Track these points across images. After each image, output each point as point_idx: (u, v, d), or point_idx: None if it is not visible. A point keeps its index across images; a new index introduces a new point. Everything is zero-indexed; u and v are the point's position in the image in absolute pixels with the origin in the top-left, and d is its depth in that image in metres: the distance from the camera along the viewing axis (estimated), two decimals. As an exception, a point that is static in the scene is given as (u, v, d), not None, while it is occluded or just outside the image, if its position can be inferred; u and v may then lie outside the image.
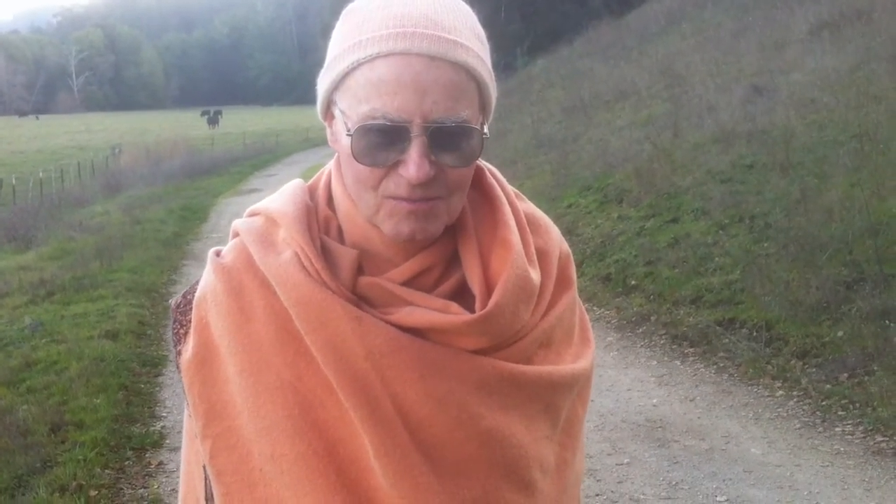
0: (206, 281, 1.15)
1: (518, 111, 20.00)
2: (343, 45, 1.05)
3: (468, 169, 1.06)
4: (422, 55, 0.99)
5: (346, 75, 1.03)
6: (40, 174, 23.68)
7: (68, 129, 66.19)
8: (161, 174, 24.38)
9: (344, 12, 1.09)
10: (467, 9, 1.09)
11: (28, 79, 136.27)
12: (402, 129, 0.99)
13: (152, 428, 5.71)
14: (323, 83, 1.08)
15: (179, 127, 57.13)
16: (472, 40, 1.05)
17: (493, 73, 1.08)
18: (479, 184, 1.16)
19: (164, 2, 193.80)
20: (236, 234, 1.18)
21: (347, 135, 1.02)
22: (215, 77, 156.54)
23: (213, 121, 63.20)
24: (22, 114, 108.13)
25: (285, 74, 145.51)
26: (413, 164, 0.99)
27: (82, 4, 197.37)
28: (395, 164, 1.01)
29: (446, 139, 1.01)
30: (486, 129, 1.07)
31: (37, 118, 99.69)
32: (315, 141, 39.09)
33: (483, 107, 1.07)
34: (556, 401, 1.15)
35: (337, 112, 1.07)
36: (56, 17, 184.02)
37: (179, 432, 5.43)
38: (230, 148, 37.11)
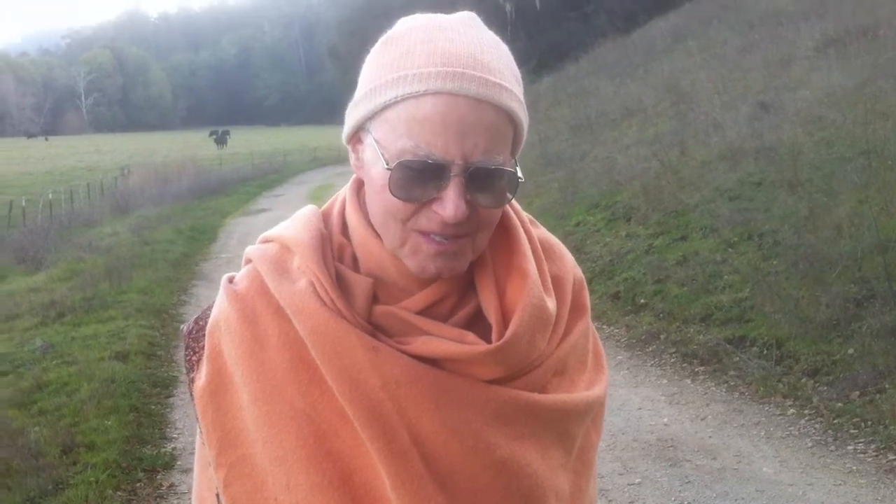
0: (220, 308, 1.15)
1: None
2: (385, 77, 1.04)
3: (500, 209, 1.07)
4: (468, 97, 1.00)
5: (386, 107, 1.03)
6: (50, 195, 23.78)
7: (77, 150, 66.50)
8: (170, 194, 24.44)
9: (382, 40, 1.09)
10: (505, 48, 1.10)
11: (37, 100, 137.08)
12: (442, 167, 1.00)
13: (163, 449, 5.72)
14: (358, 109, 1.08)
15: (188, 147, 57.31)
16: (513, 83, 1.06)
17: (527, 114, 1.09)
18: None
19: (172, 23, 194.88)
20: (249, 261, 1.17)
21: (387, 168, 1.02)
22: (223, 97, 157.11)
23: (221, 141, 63.34)
24: (31, 135, 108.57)
25: (293, 94, 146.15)
26: (451, 203, 1.00)
27: (91, 26, 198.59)
28: (430, 201, 1.02)
29: (483, 180, 1.02)
30: (520, 172, 1.07)
31: (46, 139, 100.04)
32: (322, 160, 39.23)
33: (515, 149, 1.08)
34: (571, 429, 1.15)
35: (370, 140, 1.06)
36: (65, 39, 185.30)
37: (191, 454, 5.43)
38: (238, 168, 37.20)
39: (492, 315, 1.09)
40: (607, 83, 20.86)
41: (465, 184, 1.00)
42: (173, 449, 5.72)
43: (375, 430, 1.03)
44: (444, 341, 1.06)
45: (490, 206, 1.04)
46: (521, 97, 1.07)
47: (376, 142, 1.05)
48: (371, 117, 1.06)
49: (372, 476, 1.05)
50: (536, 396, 1.10)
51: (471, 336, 1.07)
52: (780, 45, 15.22)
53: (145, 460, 5.49)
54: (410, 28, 1.07)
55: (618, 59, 23.87)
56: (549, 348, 1.13)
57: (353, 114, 1.09)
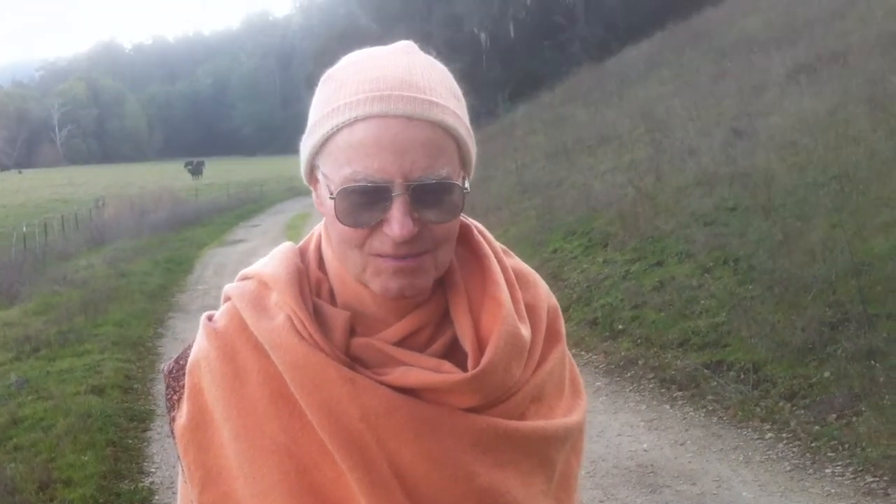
0: (199, 346, 1.16)
1: (501, 157, 20.13)
2: (322, 111, 1.07)
3: (452, 222, 1.07)
4: (399, 116, 1.01)
5: (326, 140, 1.05)
6: (24, 228, 23.58)
7: (51, 183, 66.02)
8: (146, 226, 24.30)
9: (322, 79, 1.12)
10: (442, 67, 1.12)
11: (10, 133, 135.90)
12: (383, 189, 1.01)
13: (141, 484, 5.67)
14: (305, 148, 1.10)
15: (163, 178, 57.18)
16: (448, 99, 1.07)
17: (470, 130, 1.11)
18: (467, 241, 1.18)
19: (148, 54, 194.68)
20: (228, 299, 1.18)
21: (330, 198, 1.04)
22: (199, 128, 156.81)
23: (196, 171, 63.19)
24: (4, 168, 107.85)
25: (269, 124, 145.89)
26: (396, 223, 1.01)
27: (65, 58, 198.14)
28: (379, 223, 1.03)
29: (428, 196, 1.02)
30: (467, 184, 1.09)
31: (20, 172, 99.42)
32: (298, 190, 39.02)
33: (463, 162, 1.09)
34: (551, 455, 1.16)
35: (320, 176, 1.08)
36: (39, 72, 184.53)
37: (168, 488, 5.39)
38: (214, 198, 37.10)
39: (467, 343, 1.10)
40: (582, 111, 21.04)
41: (410, 202, 1.01)
42: (151, 483, 5.67)
43: (355, 461, 1.03)
44: (422, 371, 1.07)
45: (439, 221, 1.04)
46: (460, 112, 1.08)
47: (325, 175, 1.07)
48: (317, 153, 1.08)
49: None
50: (515, 423, 1.11)
51: (447, 365, 1.08)
52: (752, 71, 15.43)
53: (123, 495, 5.44)
54: (347, 63, 1.10)
55: (592, 87, 24.11)
56: (525, 375, 1.13)
57: (303, 152, 1.11)
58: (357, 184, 1.01)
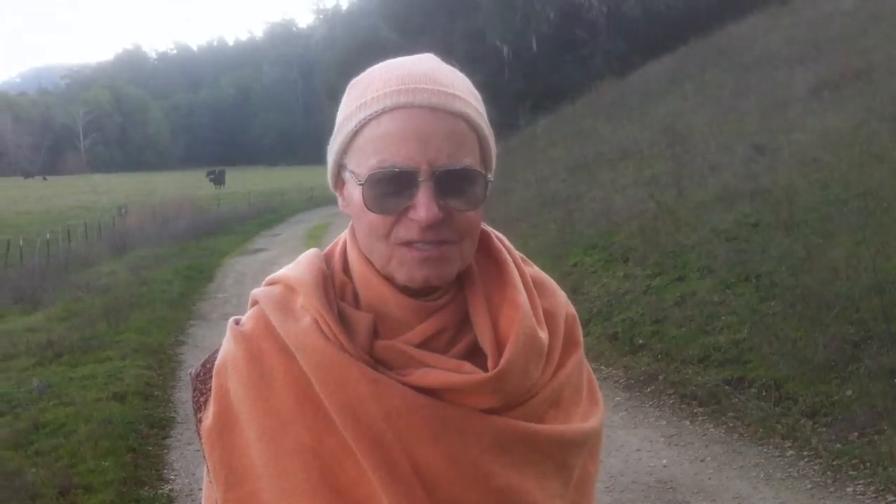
0: (226, 349, 1.19)
1: (522, 170, 20.15)
2: (349, 110, 1.12)
3: (475, 213, 1.11)
4: (423, 107, 1.07)
5: (354, 135, 1.10)
6: (47, 235, 23.77)
7: (75, 190, 66.58)
8: (167, 234, 24.44)
9: (349, 86, 1.17)
10: (463, 75, 1.17)
11: (35, 140, 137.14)
12: (410, 175, 1.05)
13: (160, 491, 5.69)
14: (332, 150, 1.15)
15: (185, 187, 57.44)
16: (469, 96, 1.12)
17: (491, 129, 1.15)
18: (487, 247, 1.21)
19: (171, 63, 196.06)
20: (255, 303, 1.21)
21: (359, 184, 1.08)
22: (221, 137, 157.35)
23: (218, 181, 63.45)
24: (28, 175, 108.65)
25: (290, 134, 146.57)
26: (422, 207, 1.05)
27: (90, 66, 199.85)
28: (406, 211, 1.07)
29: (453, 184, 1.07)
30: (490, 176, 1.13)
31: (44, 179, 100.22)
32: (318, 200, 39.28)
33: (484, 159, 1.13)
34: (568, 459, 1.18)
35: (347, 175, 1.13)
36: (64, 80, 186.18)
37: (188, 495, 5.42)
38: (236, 207, 37.24)
39: (487, 345, 1.13)
40: (604, 124, 21.01)
41: (435, 188, 1.06)
42: (170, 490, 5.69)
43: (377, 460, 1.06)
44: (443, 372, 1.10)
45: (463, 208, 1.09)
46: (481, 111, 1.14)
47: (352, 173, 1.11)
48: (345, 150, 1.13)
49: None
50: (533, 426, 1.13)
51: (468, 366, 1.11)
52: (774, 88, 15.37)
53: (142, 502, 5.47)
54: (372, 70, 1.16)
55: (614, 101, 24.08)
56: (544, 379, 1.16)
57: (330, 153, 1.16)
58: (384, 170, 1.06)
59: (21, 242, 22.63)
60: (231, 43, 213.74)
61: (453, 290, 1.16)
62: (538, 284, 1.23)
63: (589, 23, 34.77)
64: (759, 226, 9.28)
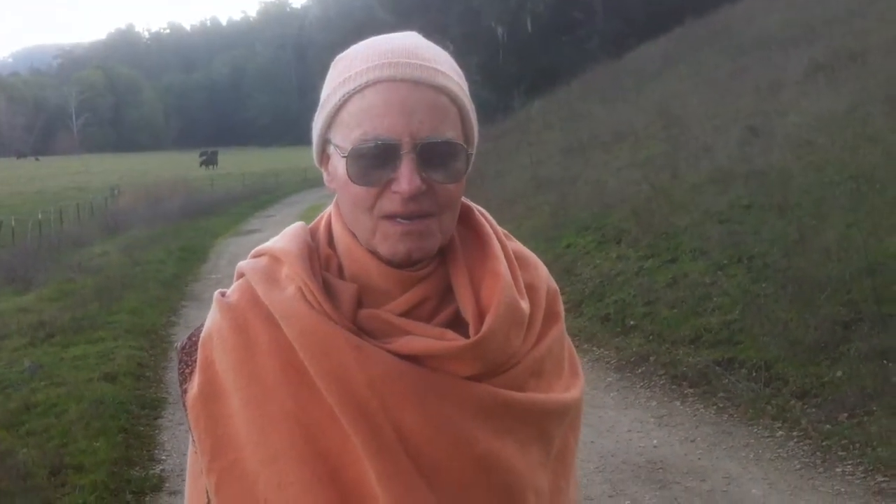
0: (212, 320, 1.20)
1: (516, 152, 20.12)
2: (332, 85, 1.14)
3: (456, 186, 1.12)
4: (406, 80, 1.09)
5: (338, 110, 1.12)
6: (39, 215, 23.72)
7: (68, 171, 66.35)
8: (160, 215, 24.38)
9: (333, 62, 1.18)
10: (446, 53, 1.18)
11: (27, 120, 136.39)
12: (392, 147, 1.07)
13: (152, 471, 5.70)
14: (317, 125, 1.16)
15: (179, 167, 57.34)
16: (451, 71, 1.14)
17: (473, 106, 1.17)
18: (469, 221, 1.23)
19: (165, 43, 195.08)
20: (241, 275, 1.22)
21: (342, 156, 1.10)
22: (215, 117, 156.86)
23: (210, 161, 63.32)
24: (21, 155, 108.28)
25: (284, 115, 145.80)
26: (405, 179, 1.07)
27: (83, 45, 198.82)
28: (389, 183, 1.08)
29: (435, 157, 1.09)
30: (471, 150, 1.15)
31: (36, 159, 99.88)
32: (312, 182, 39.20)
33: (466, 133, 1.15)
34: (549, 428, 1.19)
35: (332, 149, 1.14)
36: (57, 59, 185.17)
37: (178, 475, 5.42)
38: (230, 188, 37.18)
39: (468, 313, 1.14)
40: (598, 106, 20.97)
41: (417, 160, 1.08)
42: (162, 471, 5.70)
43: (361, 426, 1.07)
44: (425, 339, 1.11)
45: (445, 181, 1.10)
46: (463, 86, 1.15)
47: (336, 147, 1.13)
48: (329, 126, 1.14)
49: (360, 472, 1.08)
50: (514, 394, 1.14)
51: (450, 333, 1.13)
52: (769, 70, 15.35)
53: (134, 482, 5.47)
54: (355, 46, 1.18)
55: (609, 83, 24.02)
56: (525, 348, 1.17)
57: (315, 128, 1.17)
58: (367, 143, 1.08)
59: (13, 223, 22.59)
60: (224, 23, 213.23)
61: (436, 262, 1.17)
62: (520, 258, 1.24)
63: (585, 3, 34.59)
64: (753, 208, 9.28)
